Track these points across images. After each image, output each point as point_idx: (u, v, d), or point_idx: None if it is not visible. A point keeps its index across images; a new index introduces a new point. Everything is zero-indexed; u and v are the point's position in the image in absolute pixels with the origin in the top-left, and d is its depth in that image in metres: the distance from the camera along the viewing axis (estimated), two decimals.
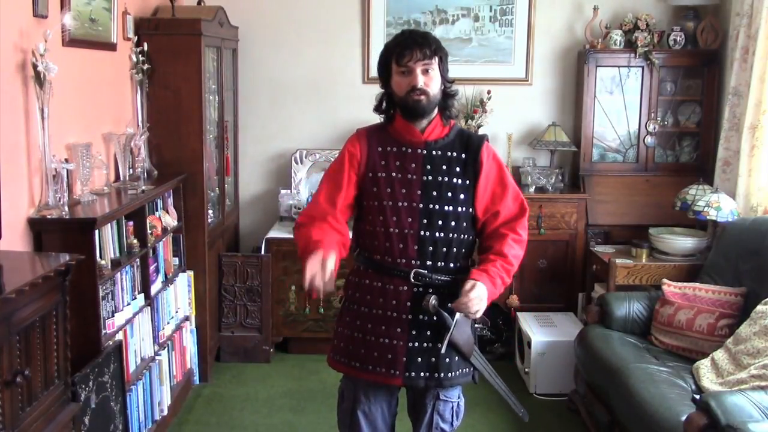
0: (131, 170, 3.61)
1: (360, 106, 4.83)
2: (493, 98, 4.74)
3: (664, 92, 4.70)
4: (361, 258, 2.39)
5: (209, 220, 4.15)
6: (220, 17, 4.24)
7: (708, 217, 3.88)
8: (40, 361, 2.17)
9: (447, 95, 2.33)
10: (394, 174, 2.30)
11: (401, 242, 2.28)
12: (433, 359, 2.32)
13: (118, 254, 3.08)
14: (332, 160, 4.71)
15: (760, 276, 3.40)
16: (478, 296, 2.21)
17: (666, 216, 4.43)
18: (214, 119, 4.31)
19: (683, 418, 2.64)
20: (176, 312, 3.84)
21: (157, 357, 3.52)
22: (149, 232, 3.35)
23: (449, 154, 2.32)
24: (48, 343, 2.21)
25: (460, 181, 2.31)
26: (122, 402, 2.98)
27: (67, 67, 2.96)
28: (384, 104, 2.38)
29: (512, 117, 4.87)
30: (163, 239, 3.63)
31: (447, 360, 2.33)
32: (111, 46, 3.50)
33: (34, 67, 2.65)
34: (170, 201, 3.82)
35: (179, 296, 3.88)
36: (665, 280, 3.67)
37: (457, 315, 2.26)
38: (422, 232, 2.27)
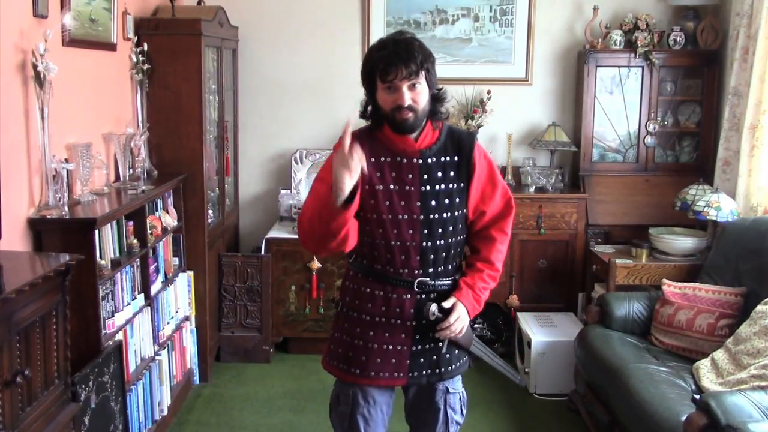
0: (131, 170, 3.60)
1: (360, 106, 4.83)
2: (493, 98, 4.74)
3: (664, 92, 4.70)
4: (358, 265, 2.34)
5: (209, 220, 4.15)
6: (220, 17, 4.24)
7: (708, 217, 3.88)
8: (40, 361, 2.16)
9: (435, 99, 2.25)
10: (391, 186, 2.23)
11: (403, 254, 2.25)
12: (435, 357, 2.33)
13: (118, 254, 3.08)
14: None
15: (760, 276, 3.40)
16: (458, 318, 2.25)
17: (666, 216, 4.43)
18: (214, 119, 4.31)
19: (683, 418, 2.64)
20: (176, 312, 3.84)
21: (157, 357, 3.52)
22: (149, 232, 3.35)
23: (443, 158, 2.27)
24: (48, 343, 2.21)
25: (454, 185, 2.28)
26: (122, 402, 2.98)
27: (67, 67, 2.96)
28: (369, 110, 2.28)
29: (512, 117, 4.86)
30: (163, 239, 3.63)
31: (448, 355, 2.34)
32: (111, 46, 3.50)
33: (34, 67, 2.65)
34: (170, 201, 3.82)
35: (179, 296, 3.88)
36: (665, 280, 3.67)
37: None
38: (424, 243, 2.25)
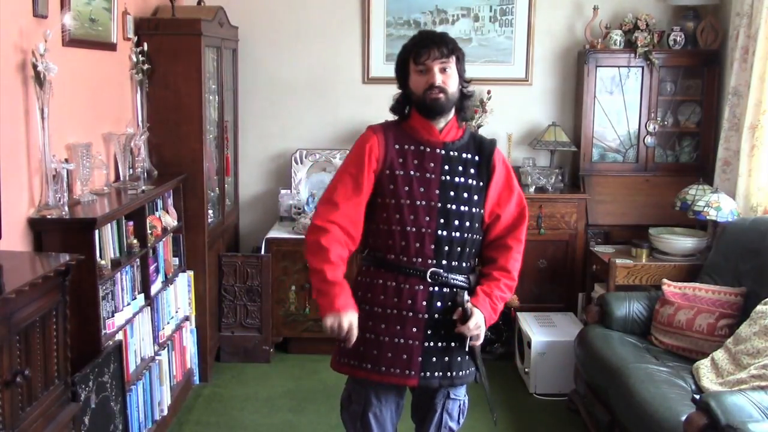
0: (131, 170, 3.61)
1: (360, 106, 4.84)
2: (493, 98, 4.74)
3: (664, 92, 4.70)
4: (371, 258, 2.37)
5: (209, 220, 4.15)
6: (220, 17, 4.24)
7: (708, 217, 3.88)
8: (40, 361, 2.16)
9: (464, 95, 2.35)
10: (412, 172, 2.29)
11: (418, 241, 2.28)
12: (447, 359, 2.33)
13: (118, 254, 3.08)
14: (331, 159, 4.75)
15: (760, 276, 3.40)
16: (476, 325, 2.26)
17: (666, 216, 4.43)
18: (214, 119, 4.31)
19: (683, 418, 2.64)
20: (176, 312, 3.84)
21: (157, 357, 3.52)
22: (149, 232, 3.35)
23: (464, 155, 2.33)
24: (48, 343, 2.21)
25: (474, 182, 2.33)
26: (122, 402, 2.98)
27: (67, 67, 2.96)
28: (399, 103, 2.38)
29: (512, 117, 4.87)
30: (163, 239, 3.63)
31: (459, 359, 2.34)
32: (111, 46, 3.50)
33: (34, 67, 2.65)
34: (170, 201, 3.82)
35: (179, 296, 3.88)
36: (665, 280, 3.67)
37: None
38: (439, 231, 2.28)
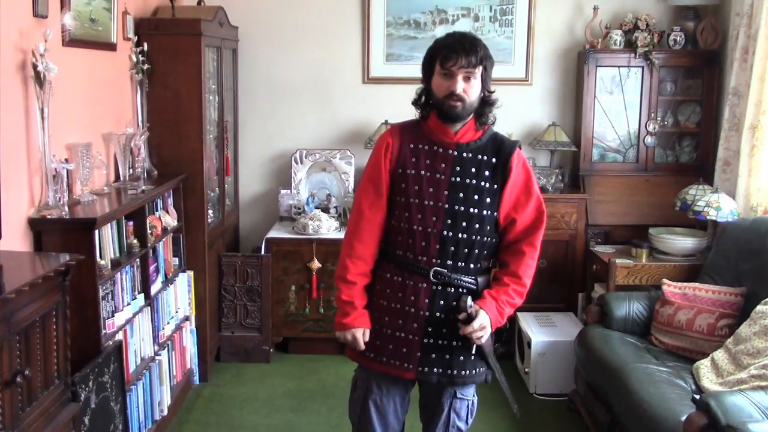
0: (131, 170, 3.61)
1: (360, 106, 4.84)
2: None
3: (664, 92, 4.70)
4: (382, 251, 2.42)
5: (209, 220, 4.15)
6: (220, 17, 4.24)
7: (708, 217, 3.88)
8: (40, 361, 2.16)
9: (485, 103, 2.35)
10: (423, 172, 2.31)
11: (424, 240, 2.30)
12: (447, 356, 2.35)
13: (118, 254, 3.08)
14: (331, 159, 4.75)
15: (760, 276, 3.40)
16: (480, 326, 2.28)
17: (666, 216, 4.43)
18: (214, 119, 4.31)
19: (683, 418, 2.64)
20: (176, 312, 3.84)
21: (157, 357, 3.52)
22: (149, 232, 3.35)
23: (480, 157, 2.33)
24: (48, 343, 2.21)
25: (488, 184, 2.32)
26: (122, 402, 2.98)
27: (67, 67, 2.96)
28: (422, 99, 2.38)
29: (512, 117, 4.86)
30: (163, 239, 3.63)
31: (461, 358, 2.36)
32: (111, 46, 3.50)
33: (34, 67, 2.65)
34: (170, 201, 3.82)
35: (179, 296, 3.88)
36: (665, 280, 3.67)
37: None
38: (445, 232, 2.29)
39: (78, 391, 2.52)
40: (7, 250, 2.48)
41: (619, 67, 4.66)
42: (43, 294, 2.17)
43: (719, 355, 3.17)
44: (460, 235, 2.30)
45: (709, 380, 3.06)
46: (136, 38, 3.78)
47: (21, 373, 1.99)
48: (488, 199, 2.32)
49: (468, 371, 2.38)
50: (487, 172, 2.33)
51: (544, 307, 4.52)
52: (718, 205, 3.86)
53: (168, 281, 3.70)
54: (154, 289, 3.48)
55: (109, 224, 2.97)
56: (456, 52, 2.24)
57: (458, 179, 2.30)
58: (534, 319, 4.31)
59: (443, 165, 2.31)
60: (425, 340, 2.34)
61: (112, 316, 2.97)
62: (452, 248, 2.30)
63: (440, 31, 4.79)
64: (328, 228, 4.47)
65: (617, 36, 4.63)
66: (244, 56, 4.80)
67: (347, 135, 4.84)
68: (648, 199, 4.62)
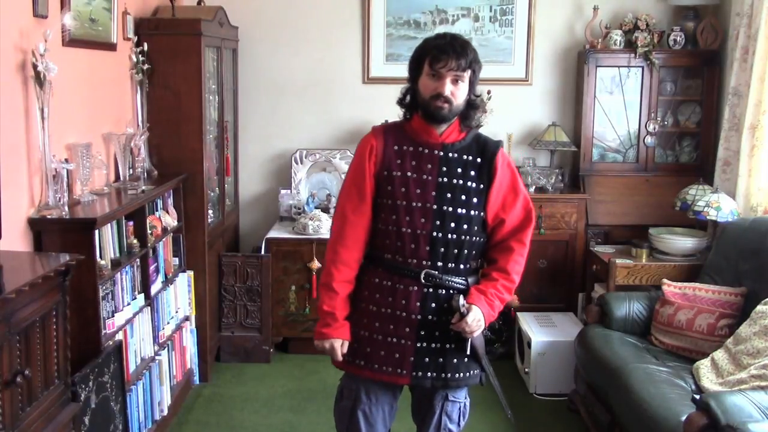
0: (131, 170, 3.61)
1: (360, 106, 4.84)
2: (493, 98, 4.73)
3: (664, 92, 4.70)
4: (368, 256, 2.39)
5: (209, 220, 4.15)
6: (220, 17, 4.24)
7: (708, 217, 3.88)
8: (40, 361, 2.16)
9: (471, 106, 2.33)
10: (409, 173, 2.29)
11: (413, 242, 2.28)
12: (441, 360, 2.33)
13: (118, 254, 3.08)
14: (331, 159, 4.75)
15: (760, 276, 3.40)
16: (475, 319, 2.25)
17: (666, 216, 4.43)
18: (214, 119, 4.31)
19: (683, 418, 2.64)
20: (176, 312, 3.84)
21: (157, 357, 3.52)
22: (149, 232, 3.35)
23: (465, 157, 2.32)
24: (48, 343, 2.21)
25: (474, 184, 2.31)
26: (122, 402, 2.98)
27: (67, 67, 2.96)
28: (407, 99, 2.37)
29: (512, 117, 4.87)
30: (163, 239, 3.63)
31: (455, 361, 2.34)
32: (111, 46, 3.50)
33: (34, 67, 2.65)
34: (170, 201, 3.82)
35: (179, 296, 3.88)
36: (665, 280, 3.67)
37: None
38: (435, 233, 2.27)
39: (78, 391, 2.52)
40: (7, 250, 2.47)
41: (619, 67, 4.66)
42: (43, 294, 2.17)
43: (719, 355, 3.17)
44: (449, 236, 2.28)
45: (709, 380, 3.06)
46: (136, 38, 3.78)
47: (21, 373, 1.99)
48: (475, 199, 2.31)
49: (462, 374, 2.36)
50: (473, 172, 2.32)
51: (544, 307, 4.52)
52: (718, 205, 3.86)
53: (168, 281, 3.70)
54: (154, 289, 3.48)
55: (109, 224, 2.97)
56: (446, 53, 2.22)
57: (445, 180, 2.29)
58: (534, 319, 4.31)
59: (429, 166, 2.29)
60: (418, 344, 2.31)
61: (112, 316, 2.97)
62: (442, 249, 2.29)
63: (440, 31, 4.79)
64: (328, 228, 4.46)
65: (617, 36, 4.63)
66: (244, 56, 4.80)
67: (347, 135, 4.84)
68: (648, 199, 4.62)
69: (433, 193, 2.28)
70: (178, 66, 3.87)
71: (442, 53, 2.22)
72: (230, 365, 4.42)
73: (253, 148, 4.95)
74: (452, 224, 2.28)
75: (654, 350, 3.48)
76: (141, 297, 3.30)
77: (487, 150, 2.35)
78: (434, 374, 2.33)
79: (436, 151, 2.31)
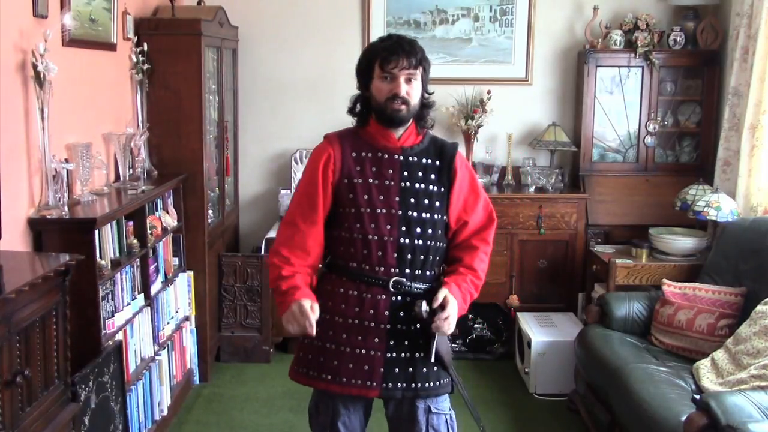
0: (131, 170, 3.61)
1: None
2: (493, 98, 4.74)
3: (664, 92, 4.70)
4: (333, 265, 2.32)
5: (209, 220, 4.15)
6: (220, 17, 4.24)
7: (708, 217, 3.88)
8: (40, 361, 2.16)
9: (424, 105, 2.29)
10: (371, 180, 2.23)
11: (380, 250, 2.22)
12: (411, 370, 2.26)
13: (118, 254, 3.08)
14: None
15: (760, 276, 3.40)
16: (452, 314, 2.18)
17: (666, 216, 4.43)
18: (214, 119, 4.31)
19: (683, 418, 2.64)
20: (176, 312, 3.84)
21: (157, 357, 3.52)
22: (149, 232, 3.35)
23: (425, 160, 2.28)
24: (48, 343, 2.21)
25: (435, 188, 2.28)
26: (122, 402, 2.98)
27: (67, 67, 2.96)
28: (359, 107, 2.33)
29: (512, 117, 4.87)
30: (163, 239, 3.63)
31: (424, 370, 2.27)
32: (111, 46, 3.50)
33: (34, 67, 2.65)
34: (170, 201, 3.82)
35: (179, 296, 3.88)
36: (665, 280, 3.67)
37: None
38: (402, 240, 2.22)
39: (78, 391, 2.52)
40: (7, 250, 2.47)
41: (619, 67, 4.66)
42: (43, 294, 2.17)
43: (719, 355, 3.17)
44: (416, 242, 2.24)
45: (709, 380, 3.06)
46: (136, 38, 3.78)
47: (21, 373, 1.99)
48: (437, 203, 2.28)
49: (432, 383, 2.28)
50: (433, 176, 2.28)
51: (544, 307, 4.52)
52: (718, 205, 3.86)
53: (168, 281, 3.70)
54: (154, 289, 3.48)
55: (109, 224, 2.97)
56: (396, 53, 2.18)
57: (407, 184, 2.25)
58: (534, 319, 4.31)
59: (390, 171, 2.25)
60: (388, 354, 2.24)
61: (112, 316, 2.97)
62: (409, 256, 2.23)
63: (440, 32, 4.81)
64: None
65: (617, 36, 4.63)
66: (244, 56, 4.80)
67: None
68: (648, 199, 4.62)
69: (397, 199, 2.23)
70: (178, 66, 3.87)
71: (392, 54, 2.18)
72: (230, 365, 4.42)
73: (253, 148, 4.95)
74: (418, 229, 2.24)
75: (654, 350, 3.48)
76: (141, 297, 3.30)
77: (445, 152, 2.31)
78: (404, 385, 2.26)
79: (396, 156, 2.26)
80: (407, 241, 2.23)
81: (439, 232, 2.29)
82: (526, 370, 4.12)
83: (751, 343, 3.04)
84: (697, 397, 2.67)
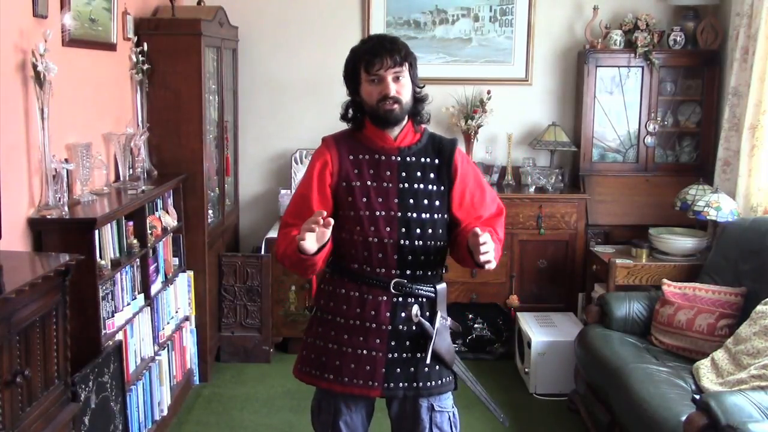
0: (131, 170, 3.61)
1: None
2: (493, 98, 4.74)
3: (664, 92, 4.70)
4: (335, 266, 2.32)
5: (209, 220, 4.15)
6: (220, 17, 4.24)
7: (708, 217, 3.88)
8: (40, 361, 2.16)
9: (417, 100, 2.27)
10: (369, 182, 2.23)
11: (380, 252, 2.22)
12: (412, 369, 2.27)
13: (118, 254, 3.08)
14: None
15: (760, 276, 3.40)
16: (488, 241, 2.10)
17: (666, 216, 4.43)
18: (214, 119, 4.31)
19: (683, 418, 2.64)
20: (176, 312, 3.84)
21: (157, 357, 3.52)
22: (149, 232, 3.35)
23: (423, 160, 2.27)
24: (48, 343, 2.21)
25: (434, 187, 2.26)
26: (122, 402, 2.98)
27: (67, 67, 2.96)
28: (351, 112, 2.30)
29: (512, 117, 4.87)
30: (163, 239, 3.63)
31: (426, 369, 2.27)
32: (111, 46, 3.50)
33: (34, 67, 2.65)
34: (170, 201, 3.82)
35: (179, 296, 3.88)
36: (665, 280, 3.67)
37: (438, 323, 2.24)
38: (402, 241, 2.22)
39: (78, 391, 2.52)
40: (7, 250, 2.47)
41: (619, 67, 4.66)
42: (43, 294, 2.17)
43: (719, 355, 3.17)
44: (416, 243, 2.23)
45: (709, 380, 3.06)
46: (136, 38, 3.78)
47: (21, 373, 1.99)
48: (437, 202, 2.26)
49: (434, 381, 2.29)
50: (432, 175, 2.26)
51: (544, 307, 4.52)
52: (718, 205, 3.86)
53: (168, 281, 3.70)
54: (154, 289, 3.48)
55: (109, 224, 2.97)
56: (379, 54, 2.16)
57: (406, 185, 2.23)
58: (534, 319, 4.31)
59: (388, 173, 2.24)
60: (389, 355, 2.25)
61: (112, 316, 2.97)
62: (410, 257, 2.23)
63: (440, 32, 4.81)
64: None
65: (617, 36, 4.63)
66: (244, 56, 4.80)
67: None
68: (648, 199, 4.62)
69: (396, 200, 2.22)
70: (178, 66, 3.87)
71: (374, 56, 2.17)
72: (230, 365, 4.42)
73: (253, 148, 4.95)
74: (418, 230, 2.23)
75: (654, 350, 3.48)
76: (141, 297, 3.30)
77: (444, 150, 2.29)
78: (406, 384, 2.26)
79: (393, 157, 2.25)
80: (407, 242, 2.23)
81: (440, 231, 2.28)
82: (526, 370, 4.12)
83: (751, 343, 3.04)
84: (697, 397, 2.67)
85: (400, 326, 2.25)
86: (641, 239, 4.20)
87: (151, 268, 3.43)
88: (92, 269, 2.74)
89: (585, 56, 4.61)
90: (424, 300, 2.27)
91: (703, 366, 3.17)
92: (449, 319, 2.33)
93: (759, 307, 3.17)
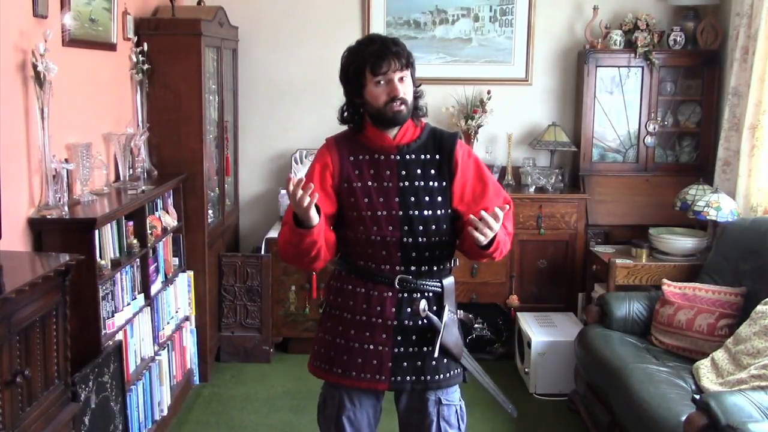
0: (131, 170, 3.61)
1: None
2: (493, 98, 4.74)
3: (664, 92, 4.70)
4: (342, 263, 2.35)
5: (209, 220, 4.15)
6: (220, 17, 4.24)
7: (708, 217, 3.88)
8: (40, 361, 2.16)
9: (417, 97, 2.29)
10: (369, 183, 2.24)
11: (384, 249, 2.24)
12: (419, 363, 2.29)
13: (118, 254, 3.08)
14: None
15: (760, 276, 3.40)
16: (488, 218, 2.08)
17: (666, 216, 4.43)
18: (214, 119, 4.31)
19: (683, 418, 2.64)
20: (176, 312, 3.84)
21: (157, 357, 3.52)
22: (149, 232, 3.35)
23: (423, 156, 2.27)
24: (48, 343, 2.21)
25: (436, 183, 2.26)
26: (122, 402, 2.98)
27: (67, 67, 2.96)
28: (348, 113, 2.31)
29: (512, 117, 4.87)
30: (163, 239, 3.63)
31: (434, 363, 2.29)
32: (111, 46, 3.50)
33: (34, 67, 2.65)
34: (170, 201, 3.83)
35: (179, 296, 3.88)
36: (665, 280, 3.67)
37: (446, 317, 2.26)
38: (404, 239, 2.23)
39: (78, 391, 2.52)
40: (7, 250, 2.47)
41: (619, 67, 4.66)
42: (43, 294, 2.17)
43: (719, 355, 3.17)
44: (419, 240, 2.24)
45: (709, 380, 3.06)
46: (136, 38, 3.78)
47: (21, 373, 1.99)
48: (439, 198, 2.26)
49: (441, 375, 2.31)
50: (433, 171, 2.26)
51: (544, 307, 4.52)
52: (718, 205, 3.86)
53: (168, 281, 3.70)
54: (154, 289, 3.48)
55: (109, 224, 2.97)
56: (386, 56, 2.16)
57: (406, 183, 2.24)
58: (534, 319, 4.31)
59: (388, 172, 2.25)
60: (396, 350, 2.27)
61: (112, 316, 2.97)
62: (414, 254, 2.24)
63: (440, 32, 4.80)
64: None
65: (617, 36, 4.63)
66: (244, 56, 4.80)
67: None
68: (648, 199, 4.62)
69: (397, 199, 2.23)
70: (178, 66, 3.87)
71: (381, 59, 2.16)
72: (230, 365, 4.42)
73: (253, 148, 4.95)
74: (420, 227, 2.24)
75: (654, 350, 3.48)
76: (141, 297, 3.30)
77: (444, 145, 2.29)
78: (413, 377, 2.29)
79: (392, 156, 2.25)
80: (410, 240, 2.24)
81: (444, 227, 2.28)
82: (526, 370, 4.12)
83: (751, 343, 3.04)
84: (697, 397, 2.67)
85: (406, 321, 2.27)
86: (641, 239, 4.20)
87: (151, 268, 3.43)
88: (92, 269, 2.74)
89: (585, 56, 4.61)
90: (431, 294, 2.28)
91: (703, 366, 3.17)
92: (461, 311, 2.36)
93: (759, 307, 3.17)
